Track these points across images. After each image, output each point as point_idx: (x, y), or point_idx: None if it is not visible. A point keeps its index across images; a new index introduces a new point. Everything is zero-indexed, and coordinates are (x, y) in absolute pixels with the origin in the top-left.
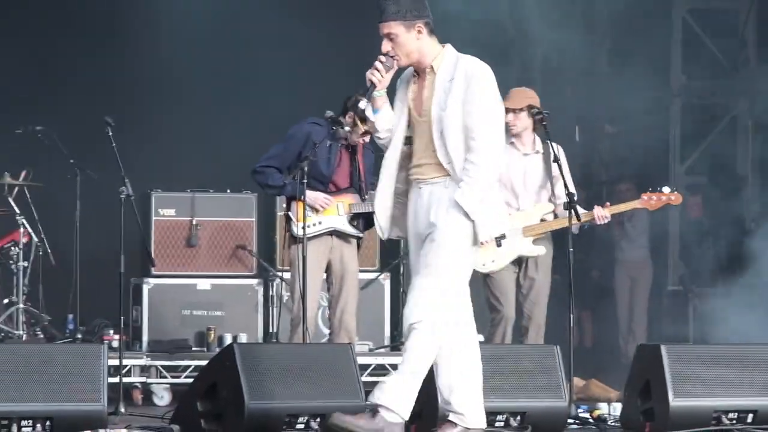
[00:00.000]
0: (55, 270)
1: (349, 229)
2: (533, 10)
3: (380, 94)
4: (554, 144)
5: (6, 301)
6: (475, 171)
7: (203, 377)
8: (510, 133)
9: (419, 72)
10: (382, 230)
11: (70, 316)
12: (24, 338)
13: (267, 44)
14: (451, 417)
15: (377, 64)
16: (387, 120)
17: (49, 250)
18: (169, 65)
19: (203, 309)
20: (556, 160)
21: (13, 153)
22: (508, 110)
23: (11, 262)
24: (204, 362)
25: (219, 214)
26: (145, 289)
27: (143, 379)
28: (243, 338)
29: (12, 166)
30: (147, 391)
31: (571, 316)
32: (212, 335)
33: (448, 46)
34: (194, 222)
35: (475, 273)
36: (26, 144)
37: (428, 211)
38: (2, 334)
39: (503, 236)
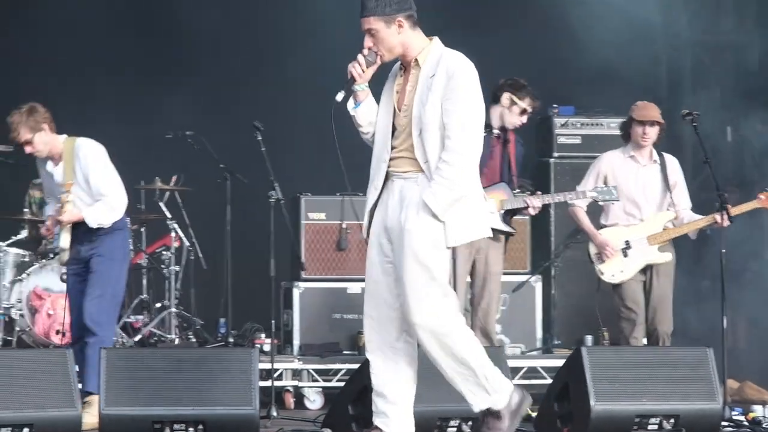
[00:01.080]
0: (207, 274)
1: (501, 226)
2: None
3: (361, 88)
4: (666, 155)
5: (158, 305)
6: (448, 171)
7: (355, 381)
8: (640, 145)
9: (405, 65)
10: (364, 228)
11: (222, 320)
12: (176, 342)
13: None
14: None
15: (359, 57)
16: (369, 113)
17: (200, 255)
18: (313, 71)
19: (354, 312)
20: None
21: (164, 158)
22: (641, 122)
23: (163, 266)
24: (355, 366)
25: None
26: (296, 293)
27: (295, 383)
28: None
29: (163, 171)
30: (299, 395)
31: (724, 318)
32: (363, 339)
33: (435, 39)
34: (344, 225)
35: (605, 284)
36: (176, 149)
37: (398, 206)
38: (155, 338)
39: (629, 246)
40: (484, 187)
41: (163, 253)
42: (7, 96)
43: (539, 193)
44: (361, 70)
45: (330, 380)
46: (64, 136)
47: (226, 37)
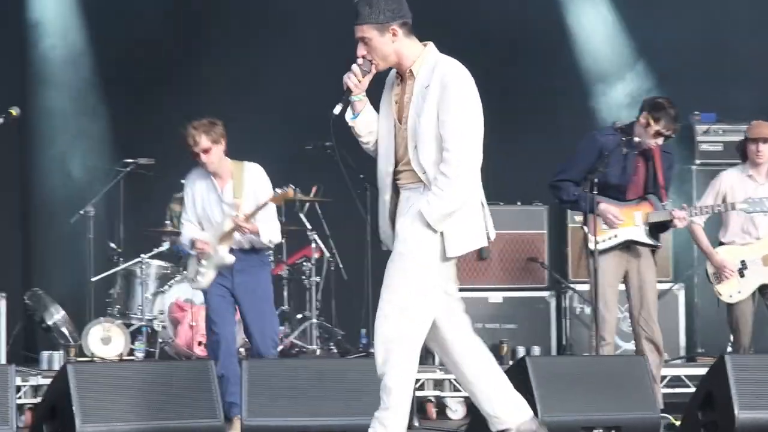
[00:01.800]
0: (347, 284)
1: (647, 240)
2: None
3: (359, 98)
4: None
5: (299, 316)
6: (446, 183)
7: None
8: (755, 163)
9: (401, 75)
10: (383, 241)
11: (363, 331)
12: (318, 353)
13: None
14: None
15: (354, 67)
16: (368, 123)
17: (340, 265)
18: None
19: (496, 322)
20: None
21: (304, 169)
22: (755, 140)
23: (304, 277)
24: None
25: (510, 226)
26: None
27: (437, 393)
28: (536, 351)
29: (302, 182)
30: (440, 405)
31: None
32: (505, 348)
33: (430, 46)
34: None
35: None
36: (316, 159)
37: (404, 214)
38: (296, 349)
39: (745, 266)
40: (629, 200)
41: (304, 264)
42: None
43: (685, 205)
44: (357, 81)
45: None
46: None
47: None
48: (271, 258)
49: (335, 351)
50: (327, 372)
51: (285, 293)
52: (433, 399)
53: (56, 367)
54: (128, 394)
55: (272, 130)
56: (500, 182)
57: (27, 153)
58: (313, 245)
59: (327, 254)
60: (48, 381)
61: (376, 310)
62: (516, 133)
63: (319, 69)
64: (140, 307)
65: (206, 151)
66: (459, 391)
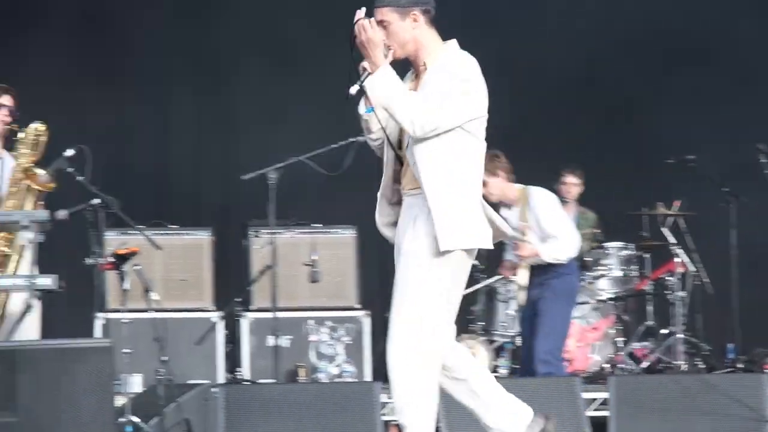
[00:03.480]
0: (713, 299)
1: None
2: None
3: None
4: None
5: (664, 331)
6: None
7: None
8: None
9: (417, 70)
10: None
11: (730, 345)
12: (684, 368)
13: None
14: None
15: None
16: (383, 119)
17: (705, 279)
18: None
19: None
20: None
21: (665, 183)
22: None
23: (668, 292)
24: None
25: None
26: None
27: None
28: None
29: (664, 196)
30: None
31: None
32: None
33: (452, 42)
34: None
35: None
36: (677, 173)
37: (407, 225)
38: (662, 365)
39: None
40: None
41: (668, 279)
42: None
43: None
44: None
45: None
46: (519, 185)
47: None
48: (571, 271)
49: (702, 366)
50: (693, 388)
51: (649, 309)
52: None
53: None
54: None
55: None
56: None
57: None
58: (677, 260)
59: (691, 269)
60: None
61: (741, 324)
62: None
63: None
64: (503, 324)
65: (483, 184)
66: None
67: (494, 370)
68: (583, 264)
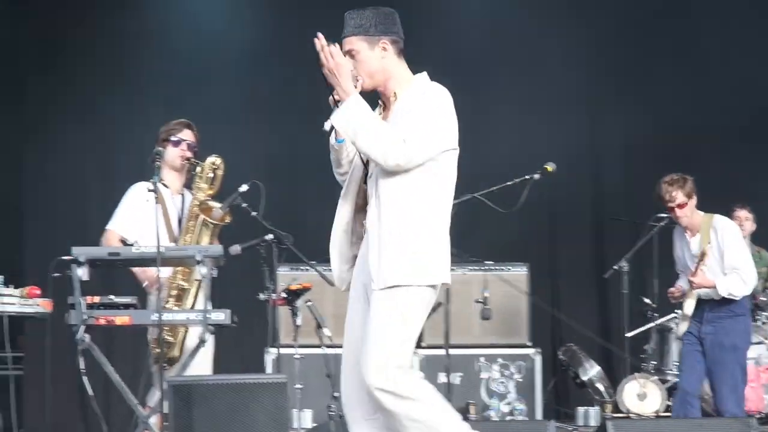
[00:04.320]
0: None
1: None
2: None
3: None
4: None
5: None
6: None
7: None
8: None
9: (385, 102)
10: (338, 279)
11: None
12: None
13: None
14: None
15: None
16: (352, 151)
17: None
18: None
19: None
20: None
21: None
22: None
23: None
24: None
25: None
26: None
27: None
28: None
29: None
30: None
31: None
32: None
33: (422, 74)
34: None
35: None
36: None
37: (376, 260)
38: None
39: None
40: None
41: None
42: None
43: None
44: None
45: None
46: (703, 212)
47: None
48: (744, 311)
49: None
50: None
51: None
52: None
53: (592, 423)
54: None
55: None
56: None
57: None
58: None
59: None
60: None
61: None
62: None
63: None
64: (675, 363)
65: (681, 206)
66: None
67: (667, 409)
68: (756, 304)
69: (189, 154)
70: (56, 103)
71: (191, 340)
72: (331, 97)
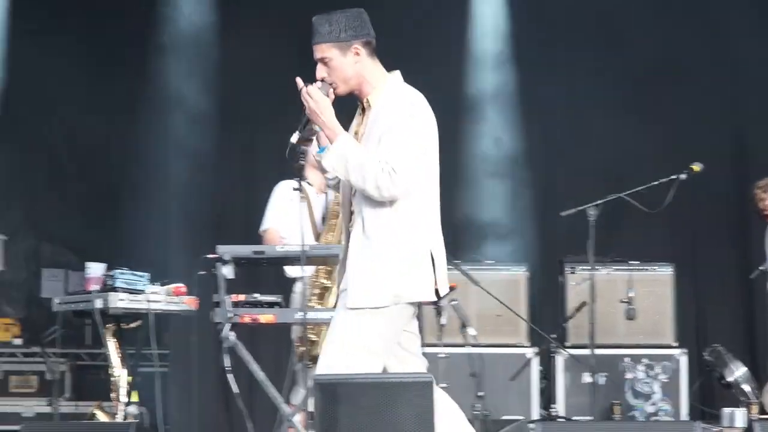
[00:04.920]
0: None
1: None
2: None
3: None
4: None
5: None
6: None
7: None
8: None
9: (362, 104)
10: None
11: None
12: None
13: None
14: None
15: (310, 88)
16: None
17: None
18: None
19: None
20: None
21: None
22: None
23: None
24: None
25: None
26: None
27: None
28: None
29: None
30: None
31: None
32: None
33: (394, 74)
34: None
35: None
36: None
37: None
38: None
39: None
40: None
41: None
42: None
43: None
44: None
45: None
46: None
47: None
48: None
49: None
50: None
51: None
52: None
53: (738, 424)
54: None
55: None
56: None
57: None
58: None
59: None
60: None
61: None
62: None
63: None
64: None
65: None
66: None
67: None
68: None
69: None
70: None
71: None
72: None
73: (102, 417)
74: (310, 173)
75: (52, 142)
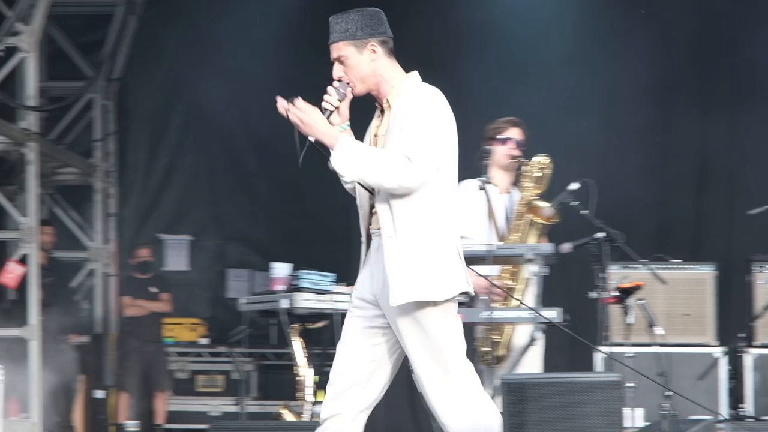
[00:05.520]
0: None
1: None
2: None
3: (342, 128)
4: None
5: None
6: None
7: None
8: None
9: (380, 104)
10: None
11: None
12: None
13: None
14: None
15: (329, 88)
16: None
17: None
18: None
19: None
20: None
21: None
22: None
23: None
24: None
25: None
26: None
27: None
28: None
29: None
30: None
31: None
32: None
33: (413, 75)
34: None
35: None
36: None
37: (381, 270)
38: None
39: None
40: None
41: None
42: None
43: None
44: (334, 104)
45: None
46: None
47: None
48: None
49: None
50: None
51: None
52: None
53: None
54: None
55: None
56: None
57: None
58: None
59: None
60: None
61: None
62: None
63: None
64: None
65: None
66: None
67: None
68: None
69: (517, 153)
70: None
71: (520, 339)
72: (324, 109)
73: (289, 416)
74: (495, 173)
75: (238, 142)
